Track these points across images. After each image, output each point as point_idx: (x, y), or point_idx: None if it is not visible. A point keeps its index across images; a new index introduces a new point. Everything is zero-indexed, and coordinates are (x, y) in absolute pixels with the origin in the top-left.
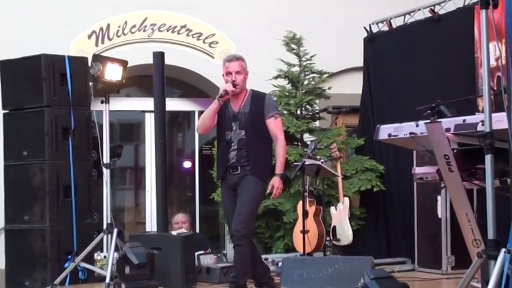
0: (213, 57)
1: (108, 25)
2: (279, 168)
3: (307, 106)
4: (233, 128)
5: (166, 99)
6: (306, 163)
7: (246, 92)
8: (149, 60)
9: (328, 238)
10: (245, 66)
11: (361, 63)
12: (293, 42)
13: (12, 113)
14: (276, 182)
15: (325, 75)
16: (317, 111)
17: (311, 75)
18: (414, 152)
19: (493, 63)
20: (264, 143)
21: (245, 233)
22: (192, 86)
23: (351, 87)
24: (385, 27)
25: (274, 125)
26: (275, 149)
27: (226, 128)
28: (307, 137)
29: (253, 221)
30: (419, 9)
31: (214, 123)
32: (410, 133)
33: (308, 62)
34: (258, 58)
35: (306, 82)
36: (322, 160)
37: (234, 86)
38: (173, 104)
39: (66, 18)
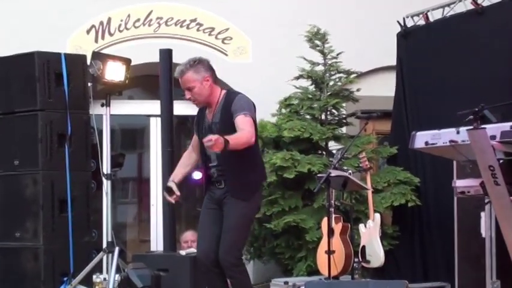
0: (226, 55)
1: (109, 19)
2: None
3: (333, 110)
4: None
5: (174, 102)
6: (332, 175)
7: (219, 96)
8: (155, 58)
9: (356, 259)
10: (195, 75)
11: (394, 62)
12: (317, 38)
13: (2, 118)
14: (216, 138)
15: (353, 75)
16: (344, 116)
17: (337, 75)
18: (454, 163)
19: None
20: (243, 156)
21: (233, 262)
22: None
23: (383, 89)
24: (421, 21)
25: (241, 121)
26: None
27: (204, 132)
28: (333, 145)
29: (240, 246)
30: (460, 1)
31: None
32: (450, 141)
33: (334, 60)
34: (277, 56)
35: (331, 83)
36: (350, 171)
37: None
38: (182, 108)
39: (62, 11)
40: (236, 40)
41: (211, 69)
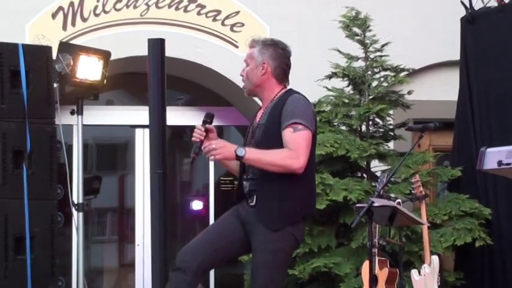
0: (236, 46)
1: None
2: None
3: (377, 119)
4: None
5: (168, 108)
6: (375, 204)
7: (277, 94)
8: (142, 51)
9: None
10: (257, 53)
11: (456, 55)
12: (356, 25)
13: None
14: (222, 143)
15: (404, 74)
16: (391, 127)
17: (382, 73)
18: None
19: None
20: (286, 177)
21: None
22: (205, 89)
23: (442, 91)
24: (492, 3)
25: (290, 139)
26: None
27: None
28: (377, 166)
29: None
30: None
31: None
32: None
33: (378, 53)
34: (303, 48)
35: (374, 83)
36: (399, 200)
37: (212, 116)
38: (177, 116)
39: None
40: (249, 27)
41: (281, 62)
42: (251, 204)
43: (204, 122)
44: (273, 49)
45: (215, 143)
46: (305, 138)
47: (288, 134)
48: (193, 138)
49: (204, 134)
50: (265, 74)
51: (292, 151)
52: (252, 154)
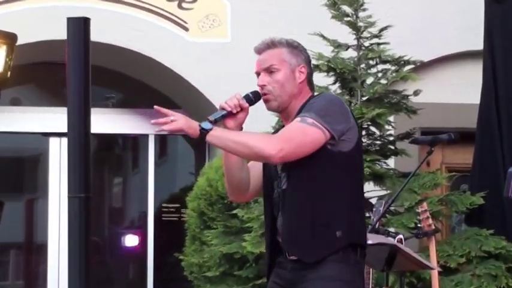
0: (186, 30)
1: None
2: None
3: (372, 128)
4: (278, 172)
5: (93, 110)
6: (369, 242)
7: (305, 101)
8: (60, 34)
9: None
10: (289, 56)
11: (479, 45)
12: (346, 2)
13: None
14: (184, 121)
15: (408, 68)
16: (391, 139)
17: (380, 66)
18: None
19: None
20: (327, 195)
21: None
22: (143, 85)
23: (459, 92)
24: None
25: (286, 127)
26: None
27: (272, 175)
28: (372, 190)
29: None
30: None
31: (242, 174)
32: None
33: (375, 40)
34: (274, 33)
35: (369, 80)
36: (401, 236)
37: (259, 97)
38: (106, 121)
39: None
40: (203, 3)
41: (311, 67)
42: (292, 258)
43: (247, 97)
44: (302, 51)
45: (175, 118)
46: (304, 133)
47: (291, 124)
48: (222, 104)
49: (239, 108)
50: (304, 81)
51: (275, 137)
52: (220, 130)
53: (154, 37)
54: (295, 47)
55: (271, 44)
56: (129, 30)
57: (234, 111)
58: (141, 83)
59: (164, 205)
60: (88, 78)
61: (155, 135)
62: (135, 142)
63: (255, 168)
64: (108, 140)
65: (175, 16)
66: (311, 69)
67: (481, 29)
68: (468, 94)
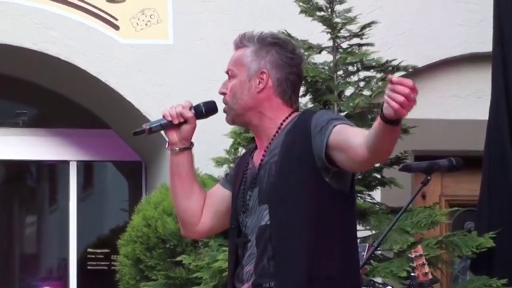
0: (116, 28)
1: None
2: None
3: None
4: (248, 202)
5: (1, 130)
6: None
7: (283, 119)
8: None
9: None
10: (250, 58)
11: (487, 46)
12: None
13: None
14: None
15: (398, 75)
16: (378, 165)
17: (362, 73)
18: None
19: None
20: (321, 234)
21: None
22: (62, 99)
23: (462, 105)
24: None
25: (352, 130)
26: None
27: (238, 207)
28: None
29: None
30: None
31: (189, 203)
32: None
33: (355, 41)
34: (227, 32)
35: (349, 91)
36: None
37: (213, 109)
38: (16, 144)
39: None
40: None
41: (290, 72)
42: None
43: (197, 108)
44: (277, 51)
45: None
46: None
47: (343, 129)
48: (165, 112)
49: (181, 119)
50: (264, 89)
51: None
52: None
53: (75, 38)
54: (266, 45)
55: (238, 42)
56: (43, 29)
57: (175, 122)
58: (60, 95)
59: (90, 250)
60: None
61: (77, 162)
62: (53, 171)
63: (218, 197)
64: (19, 167)
65: (103, 11)
66: (293, 76)
67: (490, 24)
68: (474, 108)
